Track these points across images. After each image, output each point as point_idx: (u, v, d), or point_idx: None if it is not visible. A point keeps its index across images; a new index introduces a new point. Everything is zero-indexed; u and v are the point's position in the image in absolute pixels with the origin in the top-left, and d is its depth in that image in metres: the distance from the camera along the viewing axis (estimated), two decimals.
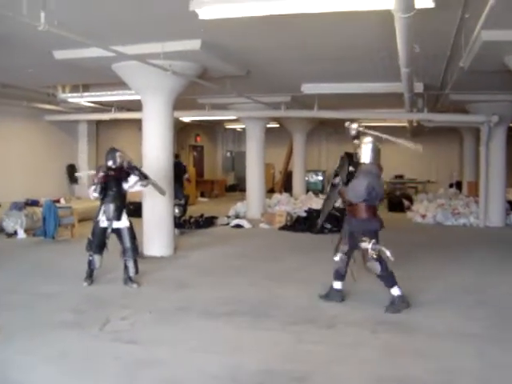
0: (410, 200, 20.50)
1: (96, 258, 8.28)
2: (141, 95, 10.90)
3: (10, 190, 14.93)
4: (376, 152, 7.42)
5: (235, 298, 7.65)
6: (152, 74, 9.82)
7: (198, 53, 9.19)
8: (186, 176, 14.97)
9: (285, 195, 20.24)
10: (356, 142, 7.60)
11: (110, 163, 8.26)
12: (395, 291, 7.09)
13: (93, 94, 14.58)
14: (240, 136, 28.83)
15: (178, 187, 12.87)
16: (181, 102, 11.75)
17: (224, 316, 6.83)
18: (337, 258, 7.39)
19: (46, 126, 17.43)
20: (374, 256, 6.98)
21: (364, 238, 7.06)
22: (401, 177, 25.74)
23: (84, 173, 8.47)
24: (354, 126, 7.63)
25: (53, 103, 16.34)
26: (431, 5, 5.83)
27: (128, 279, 8.29)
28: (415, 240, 13.04)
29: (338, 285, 7.55)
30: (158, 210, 10.62)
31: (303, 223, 14.70)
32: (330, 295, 7.56)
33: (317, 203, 18.23)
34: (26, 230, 12.97)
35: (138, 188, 8.59)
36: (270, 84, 13.46)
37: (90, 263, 8.33)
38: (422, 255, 10.91)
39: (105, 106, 16.95)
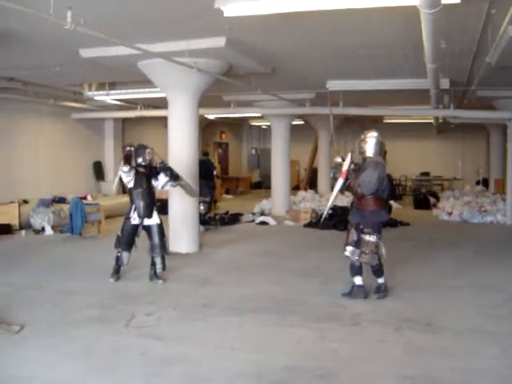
0: (436, 197, 20.36)
1: (124, 254, 8.32)
2: (166, 93, 10.95)
3: (37, 186, 15.11)
4: (380, 146, 7.56)
5: (260, 295, 7.66)
6: (177, 72, 9.86)
7: (222, 50, 9.21)
8: (215, 172, 15.19)
9: (310, 192, 20.21)
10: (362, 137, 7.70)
11: (139, 160, 8.29)
12: (381, 280, 7.53)
13: (119, 91, 14.68)
14: (265, 133, 28.83)
15: (205, 184, 12.93)
16: (206, 99, 11.78)
17: (249, 313, 6.84)
18: (347, 253, 7.46)
19: (72, 124, 17.59)
20: (374, 250, 7.29)
21: (369, 231, 7.27)
22: (427, 174, 25.55)
23: (116, 181, 8.34)
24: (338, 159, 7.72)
25: (79, 101, 16.48)
26: (457, 0, 5.78)
27: (154, 275, 8.33)
28: (443, 237, 12.97)
29: (358, 280, 7.54)
30: (183, 207, 10.66)
31: (328, 220, 14.64)
32: (353, 293, 7.54)
33: (342, 200, 18.18)
34: (53, 227, 13.12)
35: (167, 188, 8.66)
36: (295, 81, 13.44)
37: (118, 259, 8.37)
38: (447, 252, 10.83)
39: (131, 104, 17.05)
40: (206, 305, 7.20)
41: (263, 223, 15.15)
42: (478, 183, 23.74)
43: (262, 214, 16.63)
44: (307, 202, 18.18)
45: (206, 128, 23.85)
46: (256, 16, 6.80)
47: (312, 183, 23.62)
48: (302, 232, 14.03)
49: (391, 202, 18.35)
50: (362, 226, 7.37)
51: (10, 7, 5.59)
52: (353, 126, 25.77)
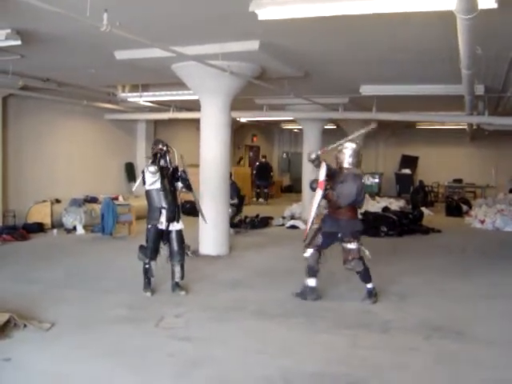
0: (469, 205, 20.15)
1: (153, 264, 7.88)
2: (199, 95, 10.99)
3: (70, 186, 15.26)
4: (357, 156, 7.60)
5: (289, 300, 7.64)
6: (210, 75, 9.89)
7: (256, 53, 9.22)
8: (272, 174, 16.77)
9: None
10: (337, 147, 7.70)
11: (161, 162, 7.85)
12: (370, 285, 7.59)
13: (152, 93, 14.76)
14: (296, 137, 28.77)
15: (233, 188, 13.03)
16: (238, 102, 11.81)
17: (278, 317, 6.83)
18: (307, 254, 7.63)
19: (105, 125, 17.75)
20: (357, 256, 7.45)
21: (350, 239, 7.44)
22: (459, 181, 25.28)
23: (138, 181, 7.96)
24: (313, 155, 7.56)
25: (112, 102, 16.63)
26: (494, 5, 5.70)
27: (176, 285, 7.97)
28: (475, 245, 12.83)
29: (312, 282, 7.66)
30: (214, 209, 10.68)
31: None
32: (305, 293, 7.65)
33: (373, 206, 18.09)
34: (84, 226, 13.26)
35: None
36: (327, 85, 13.40)
37: (147, 271, 7.89)
38: (479, 261, 10.71)
39: (163, 106, 17.14)
40: (234, 307, 7.20)
41: (293, 227, 15.13)
42: (511, 191, 23.43)
43: (293, 217, 16.59)
44: None
45: (237, 131, 23.89)
46: (290, 20, 6.78)
47: None
48: None
49: (423, 208, 18.24)
50: (340, 235, 7.52)
51: (47, 9, 5.66)
52: (385, 132, 25.68)
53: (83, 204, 13.76)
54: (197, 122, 11.92)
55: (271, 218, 15.92)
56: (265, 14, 6.63)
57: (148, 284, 7.91)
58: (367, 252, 7.59)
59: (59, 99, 14.32)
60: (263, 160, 23.72)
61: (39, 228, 13.30)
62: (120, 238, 12.68)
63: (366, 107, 15.98)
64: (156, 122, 19.81)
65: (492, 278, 9.31)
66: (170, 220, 7.79)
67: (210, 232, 10.72)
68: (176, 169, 8.01)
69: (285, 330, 6.40)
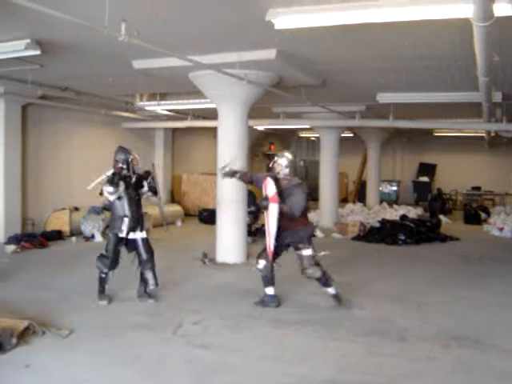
0: (487, 212, 20.02)
1: (110, 274, 7.74)
2: (216, 104, 11.04)
3: (88, 194, 15.22)
4: (293, 166, 7.72)
5: (306, 307, 7.65)
6: (227, 84, 9.93)
7: (273, 62, 9.25)
8: None
9: (358, 205, 20.10)
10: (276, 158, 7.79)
11: (124, 171, 7.77)
12: (332, 290, 7.70)
13: (169, 102, 14.85)
14: (314, 145, 28.79)
15: (250, 195, 13.05)
16: (255, 111, 11.84)
17: (294, 325, 6.84)
18: (260, 266, 7.67)
19: (123, 133, 17.85)
20: (314, 262, 7.53)
21: (303, 245, 7.51)
22: (478, 188, 25.12)
23: (98, 180, 7.82)
24: (227, 169, 8.14)
25: (130, 111, 16.74)
26: (510, 13, 5.70)
27: (145, 293, 7.85)
28: (493, 253, 12.74)
29: (270, 290, 7.74)
30: (231, 217, 10.71)
31: (377, 234, 14.53)
32: (265, 302, 7.71)
33: (391, 214, 18.04)
34: (102, 234, 13.33)
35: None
36: (344, 93, 13.40)
37: (103, 280, 7.76)
38: (497, 269, 10.65)
39: (181, 114, 17.22)
40: (251, 315, 7.22)
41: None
42: None
43: None
44: (355, 214, 18.06)
45: (255, 139, 23.93)
46: (307, 28, 6.82)
47: (360, 196, 23.48)
48: (349, 245, 13.93)
49: (441, 216, 18.16)
50: (295, 245, 7.59)
51: (65, 19, 5.73)
52: (401, 139, 25.62)
53: (101, 212, 13.83)
54: (214, 130, 11.98)
55: None
56: (281, 23, 6.66)
57: (103, 293, 7.78)
58: (323, 252, 7.84)
59: (77, 108, 14.43)
60: None
61: (58, 236, 13.40)
62: None
63: (383, 115, 15.95)
64: (174, 130, 19.94)
65: (509, 286, 9.25)
66: (132, 229, 7.72)
67: (228, 240, 10.75)
68: (141, 176, 8.01)
69: (301, 337, 6.41)
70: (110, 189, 7.37)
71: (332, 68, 10.31)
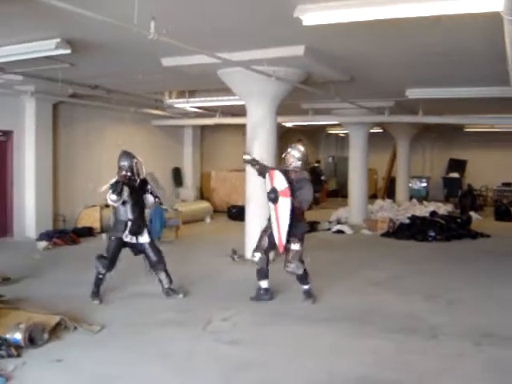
0: None
1: (106, 275, 7.78)
2: (245, 101, 11.05)
3: None
4: (305, 159, 7.81)
5: (335, 304, 7.64)
6: (256, 80, 9.93)
7: (301, 58, 9.23)
8: (323, 178, 20.83)
9: (387, 201, 19.97)
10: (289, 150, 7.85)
11: (128, 175, 7.78)
12: (307, 286, 7.76)
13: (198, 99, 14.90)
14: (342, 141, 28.64)
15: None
16: (284, 107, 11.83)
17: (323, 321, 6.83)
18: (256, 259, 7.75)
19: (152, 131, 17.99)
20: (298, 258, 7.53)
21: (293, 239, 7.47)
22: (509, 184, 24.77)
23: (104, 186, 7.70)
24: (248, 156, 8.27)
25: (159, 108, 16.83)
26: None
27: (170, 290, 7.92)
28: None
29: (264, 284, 7.82)
30: (260, 214, 10.69)
31: (407, 230, 14.43)
32: (259, 295, 7.78)
33: (420, 210, 17.89)
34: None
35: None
36: (373, 89, 13.32)
37: (99, 281, 7.76)
38: None
39: (209, 111, 17.26)
40: (280, 312, 7.23)
41: (340, 232, 15.06)
42: None
43: (339, 222, 16.50)
44: (385, 211, 17.94)
45: (283, 136, 23.88)
46: (335, 24, 6.78)
47: (390, 192, 23.34)
48: (379, 241, 13.87)
49: (471, 212, 17.96)
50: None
51: (95, 18, 5.78)
52: (431, 135, 25.36)
53: None
54: (243, 127, 11.99)
55: (317, 223, 15.85)
56: (309, 19, 6.64)
57: (97, 293, 7.74)
58: (309, 259, 7.81)
59: (108, 106, 14.55)
60: (316, 164, 23.81)
61: (89, 232, 13.54)
62: (167, 243, 12.78)
63: (412, 110, 15.83)
64: (202, 128, 20.00)
65: None
66: (134, 233, 7.73)
67: (256, 237, 10.72)
68: (144, 181, 8.01)
69: (331, 334, 6.39)
70: (114, 197, 7.36)
71: (360, 64, 10.26)
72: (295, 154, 7.65)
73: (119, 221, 7.74)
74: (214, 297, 7.91)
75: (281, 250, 7.56)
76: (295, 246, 7.52)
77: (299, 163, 7.62)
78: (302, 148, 7.77)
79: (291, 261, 7.52)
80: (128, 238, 7.72)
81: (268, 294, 7.82)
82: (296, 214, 7.35)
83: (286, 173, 7.49)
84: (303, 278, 7.70)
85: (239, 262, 10.40)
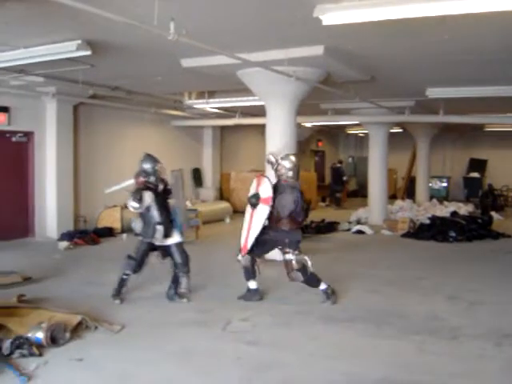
0: None
1: (131, 276, 7.76)
2: (264, 101, 11.06)
3: None
4: (296, 169, 7.73)
5: (356, 305, 7.61)
6: (276, 80, 9.95)
7: (321, 58, 9.22)
8: (345, 178, 21.89)
9: (407, 201, 19.87)
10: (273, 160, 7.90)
11: (151, 179, 7.85)
12: (322, 286, 7.63)
13: (218, 100, 14.94)
14: (362, 141, 28.56)
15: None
16: (303, 107, 11.82)
17: (344, 322, 6.81)
18: (239, 257, 7.75)
19: (172, 131, 18.06)
20: (297, 267, 7.48)
21: (288, 250, 7.51)
22: None
23: (117, 187, 8.28)
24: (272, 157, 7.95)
25: (179, 109, 16.89)
26: None
27: (175, 294, 7.79)
28: None
29: (252, 284, 7.80)
30: None
31: (427, 230, 14.35)
32: (248, 296, 7.76)
33: (441, 210, 17.79)
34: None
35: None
36: (393, 89, 13.27)
37: (124, 281, 7.74)
38: None
39: (229, 112, 17.30)
40: (301, 312, 7.22)
41: (359, 232, 15.01)
42: None
43: (359, 222, 16.45)
44: (405, 211, 17.87)
45: (304, 139, 23.86)
46: (355, 24, 6.77)
47: (410, 192, 23.23)
48: (399, 242, 13.80)
49: (492, 213, 17.81)
50: (279, 246, 7.65)
51: (115, 20, 5.82)
52: (451, 134, 25.19)
53: None
54: (262, 127, 12.00)
55: (337, 223, 15.81)
56: (329, 19, 6.63)
57: (119, 292, 7.72)
58: (309, 263, 7.56)
59: (127, 107, 14.64)
60: (338, 165, 23.81)
61: (109, 232, 13.63)
62: (187, 243, 12.77)
63: (432, 110, 15.74)
64: (222, 128, 20.06)
65: None
66: (165, 235, 7.70)
67: None
68: (167, 184, 8.07)
69: (351, 335, 6.37)
70: (135, 205, 7.48)
71: (380, 63, 10.23)
72: (286, 165, 7.64)
73: (149, 225, 7.67)
74: (233, 297, 7.90)
75: (243, 251, 7.65)
76: (289, 256, 7.55)
77: (290, 173, 7.62)
78: (293, 158, 7.77)
79: (290, 271, 7.55)
80: (158, 241, 7.70)
81: (257, 295, 7.79)
82: (281, 220, 7.46)
83: (278, 182, 7.63)
84: (311, 282, 7.67)
85: (259, 262, 10.38)
